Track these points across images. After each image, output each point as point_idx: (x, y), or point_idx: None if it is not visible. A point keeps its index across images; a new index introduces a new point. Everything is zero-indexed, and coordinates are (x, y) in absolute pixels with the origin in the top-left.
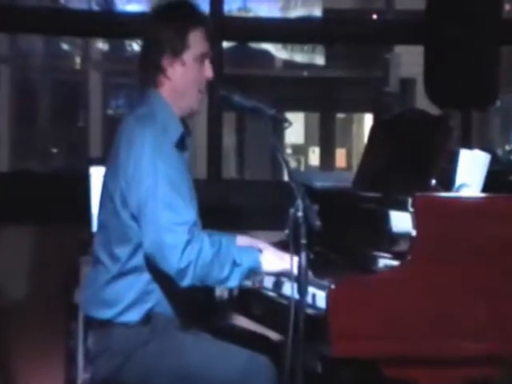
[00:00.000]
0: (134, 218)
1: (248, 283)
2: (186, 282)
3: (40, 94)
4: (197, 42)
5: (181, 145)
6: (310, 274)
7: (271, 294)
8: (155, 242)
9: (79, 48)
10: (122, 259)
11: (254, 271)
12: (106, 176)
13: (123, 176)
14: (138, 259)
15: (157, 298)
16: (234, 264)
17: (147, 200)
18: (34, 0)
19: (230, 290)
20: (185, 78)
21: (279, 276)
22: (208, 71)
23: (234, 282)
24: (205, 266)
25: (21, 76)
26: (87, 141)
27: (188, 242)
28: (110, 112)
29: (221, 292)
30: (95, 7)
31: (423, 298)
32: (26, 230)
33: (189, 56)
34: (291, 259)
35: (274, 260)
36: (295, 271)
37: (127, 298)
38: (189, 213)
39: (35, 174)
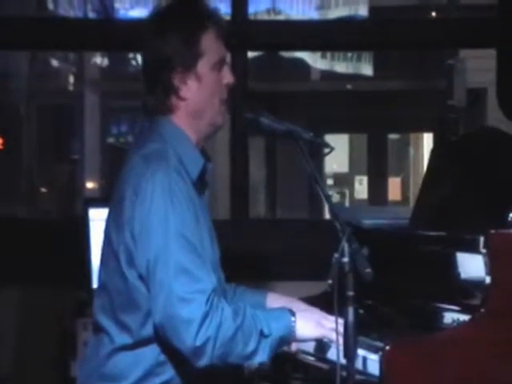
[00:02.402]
0: (143, 279)
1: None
2: (202, 362)
3: (25, 122)
4: (211, 46)
5: (201, 181)
6: (359, 333)
7: (312, 359)
8: (166, 313)
9: (72, 65)
10: (133, 328)
11: (286, 340)
12: (108, 226)
13: (129, 230)
14: (150, 329)
15: (171, 370)
16: (262, 335)
17: (157, 263)
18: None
19: None
20: (202, 94)
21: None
22: (228, 76)
23: (262, 357)
24: (226, 342)
25: (1, 100)
26: (83, 177)
27: (206, 315)
28: (110, 141)
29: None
30: (91, 14)
31: (501, 363)
32: (11, 290)
33: (204, 66)
34: (336, 319)
35: (310, 325)
36: (340, 331)
37: (136, 373)
38: (207, 278)
39: (20, 220)
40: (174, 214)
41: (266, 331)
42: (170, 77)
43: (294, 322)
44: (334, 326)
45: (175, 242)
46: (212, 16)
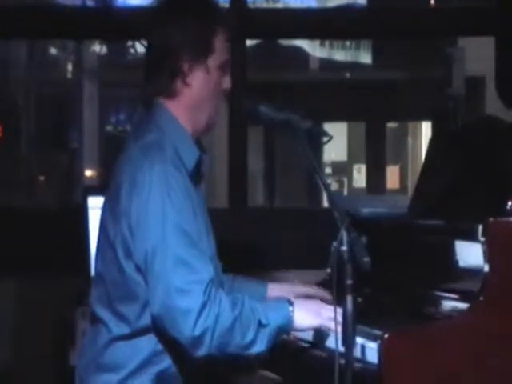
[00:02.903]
0: (140, 271)
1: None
2: (201, 352)
3: (23, 111)
4: (222, 46)
5: (197, 173)
6: (357, 321)
7: (310, 346)
8: (164, 304)
9: (71, 53)
10: (129, 319)
11: (285, 330)
12: (104, 216)
13: (126, 221)
14: (148, 319)
15: (168, 359)
16: (260, 325)
17: (155, 254)
18: None
19: None
20: (207, 86)
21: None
22: (227, 82)
23: (260, 347)
24: (224, 332)
25: (0, 90)
26: (81, 166)
27: (204, 305)
28: (108, 129)
29: None
30: (89, 2)
31: (500, 352)
32: (10, 280)
33: (214, 62)
34: (335, 307)
35: (308, 314)
36: (339, 320)
37: (134, 362)
38: (205, 268)
39: (18, 209)
40: (171, 206)
41: (263, 321)
42: (179, 61)
43: (292, 311)
44: (332, 315)
45: (173, 233)
46: (225, 17)
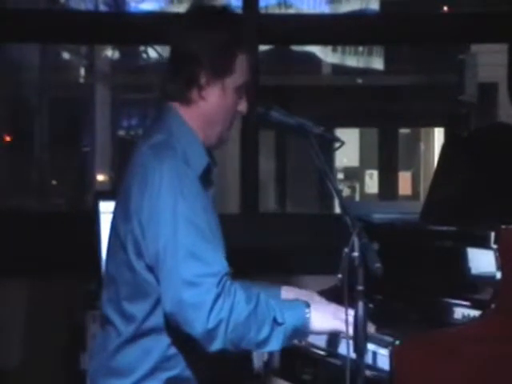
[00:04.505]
0: (151, 269)
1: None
2: (215, 346)
3: (36, 114)
4: (242, 69)
5: (205, 179)
6: (369, 328)
7: (322, 353)
8: (176, 299)
9: (83, 58)
10: (137, 319)
11: (300, 331)
12: (115, 217)
13: (137, 220)
14: (157, 318)
15: (179, 364)
16: (275, 323)
17: (166, 250)
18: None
19: (271, 352)
20: (221, 105)
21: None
22: (243, 105)
23: (275, 345)
24: (239, 326)
25: (13, 93)
26: (94, 170)
27: (217, 297)
28: (120, 133)
29: (259, 353)
30: (102, 7)
31: None
32: (22, 282)
33: (231, 83)
34: (346, 313)
35: (325, 317)
36: (351, 326)
37: (144, 367)
38: (218, 261)
39: (31, 213)
40: (182, 201)
41: (279, 319)
42: (198, 72)
43: (309, 313)
44: (348, 318)
45: (184, 228)
46: (250, 40)
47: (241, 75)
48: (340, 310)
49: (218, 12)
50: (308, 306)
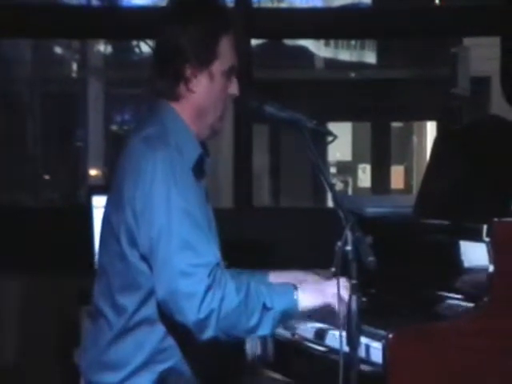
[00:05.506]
0: (145, 259)
1: (285, 333)
2: (207, 334)
3: (28, 110)
4: (227, 51)
5: (198, 170)
6: (362, 321)
7: (316, 346)
8: (169, 288)
9: (76, 52)
10: (128, 310)
11: (290, 313)
12: (107, 209)
13: (130, 209)
14: (149, 310)
15: (173, 357)
16: (264, 308)
17: (160, 238)
18: None
19: (264, 344)
20: (210, 93)
21: (322, 313)
22: (234, 88)
23: (265, 330)
24: (229, 314)
25: (4, 88)
26: (87, 165)
27: (209, 288)
28: (113, 128)
29: (253, 347)
30: (94, 2)
31: (504, 352)
32: (15, 278)
33: (217, 68)
34: (338, 283)
35: (313, 295)
36: (344, 298)
37: (136, 359)
38: (210, 252)
39: (24, 208)
40: (176, 190)
41: (268, 304)
42: (183, 66)
43: (297, 295)
44: (335, 290)
45: (178, 218)
46: (233, 22)
47: (226, 59)
48: (330, 285)
49: (193, 2)
50: (296, 288)
